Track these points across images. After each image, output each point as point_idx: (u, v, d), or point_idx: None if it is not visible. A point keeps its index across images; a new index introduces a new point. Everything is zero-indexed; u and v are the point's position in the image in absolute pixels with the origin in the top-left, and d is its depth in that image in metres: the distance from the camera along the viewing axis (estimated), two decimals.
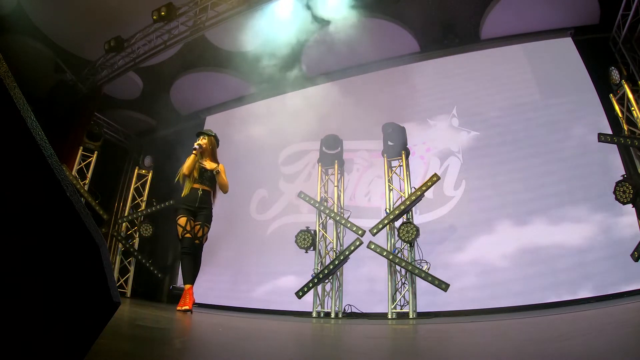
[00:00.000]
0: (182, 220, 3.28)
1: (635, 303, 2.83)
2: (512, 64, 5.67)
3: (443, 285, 4.13)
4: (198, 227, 3.30)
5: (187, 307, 2.98)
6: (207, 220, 3.37)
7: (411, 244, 4.46)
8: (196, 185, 3.39)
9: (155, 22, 5.71)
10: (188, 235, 3.25)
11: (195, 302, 3.20)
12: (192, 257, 3.25)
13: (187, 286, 3.12)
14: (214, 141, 3.67)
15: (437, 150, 5.62)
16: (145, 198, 7.35)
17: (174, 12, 5.62)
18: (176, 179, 3.52)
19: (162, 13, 5.55)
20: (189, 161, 3.42)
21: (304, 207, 5.90)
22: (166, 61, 6.54)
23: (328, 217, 5.15)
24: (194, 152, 3.44)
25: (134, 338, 1.15)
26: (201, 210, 3.36)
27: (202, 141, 3.55)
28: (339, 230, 5.07)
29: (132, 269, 6.82)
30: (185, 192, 3.38)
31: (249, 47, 5.94)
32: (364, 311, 4.78)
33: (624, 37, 4.72)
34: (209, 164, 3.47)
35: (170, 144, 7.79)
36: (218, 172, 3.44)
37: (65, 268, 0.52)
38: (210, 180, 3.47)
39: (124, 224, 6.91)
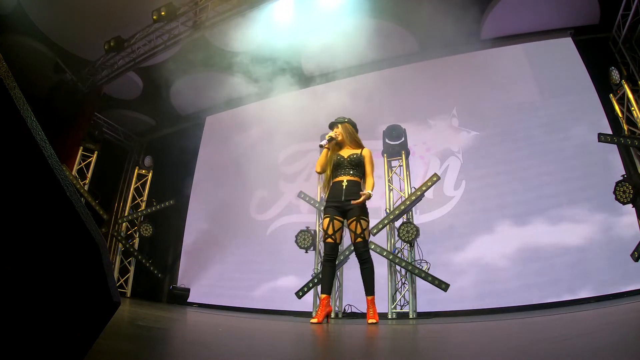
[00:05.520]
0: (325, 222, 2.88)
1: (635, 303, 2.83)
2: (512, 64, 5.67)
3: (443, 285, 4.13)
4: (353, 223, 2.80)
5: (315, 320, 2.72)
6: (362, 212, 2.82)
7: (411, 244, 4.46)
8: (339, 178, 2.94)
9: (155, 22, 5.72)
10: (330, 240, 2.84)
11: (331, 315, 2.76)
12: (331, 265, 2.86)
13: (322, 296, 2.85)
14: (349, 127, 3.13)
15: (437, 150, 5.62)
16: (145, 198, 7.36)
17: (174, 12, 5.63)
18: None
19: (162, 13, 5.56)
20: (320, 157, 3.01)
21: (304, 207, 5.90)
22: (166, 61, 6.54)
23: None
24: (326, 146, 3.01)
25: (134, 338, 1.15)
26: (350, 203, 2.84)
27: (333, 133, 3.07)
28: None
29: (132, 269, 6.83)
30: (328, 188, 2.98)
31: (248, 47, 5.94)
32: (364, 311, 4.77)
33: (624, 37, 4.72)
34: (347, 152, 3.02)
35: (170, 144, 7.80)
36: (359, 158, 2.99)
37: (65, 268, 0.52)
38: (355, 168, 2.96)
39: (124, 224, 6.92)
